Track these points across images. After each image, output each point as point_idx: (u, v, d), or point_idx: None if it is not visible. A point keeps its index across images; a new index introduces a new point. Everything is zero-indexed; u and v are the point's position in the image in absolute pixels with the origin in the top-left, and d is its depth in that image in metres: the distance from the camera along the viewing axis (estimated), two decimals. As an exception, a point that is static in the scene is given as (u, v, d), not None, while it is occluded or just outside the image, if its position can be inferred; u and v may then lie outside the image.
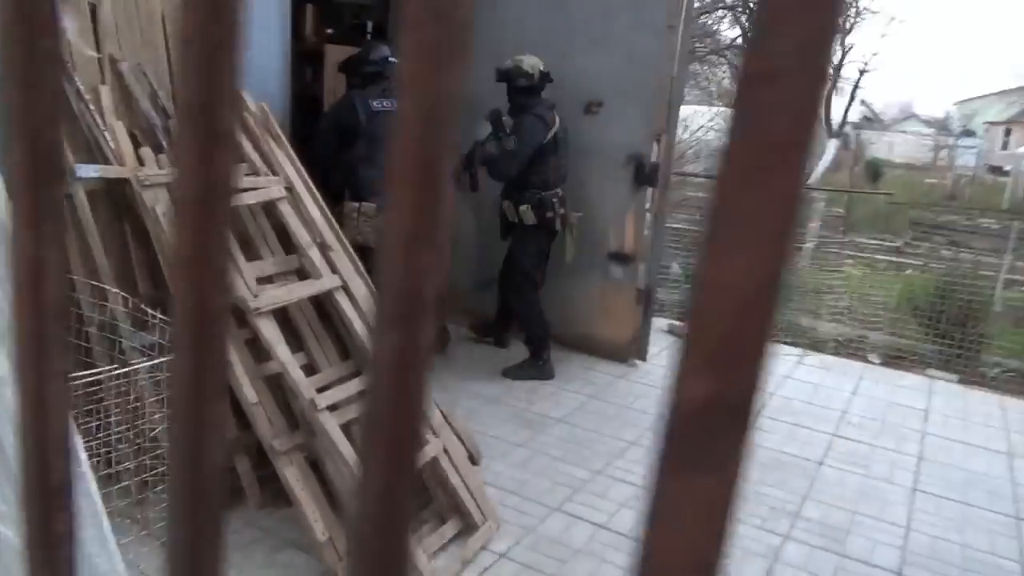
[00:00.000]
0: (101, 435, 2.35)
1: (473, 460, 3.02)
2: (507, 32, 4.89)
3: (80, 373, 2.27)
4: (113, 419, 2.42)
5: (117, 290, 2.51)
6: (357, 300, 2.83)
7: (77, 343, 2.48)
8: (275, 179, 2.88)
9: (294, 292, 2.66)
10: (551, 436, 3.72)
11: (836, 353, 5.61)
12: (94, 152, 2.70)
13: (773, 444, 3.79)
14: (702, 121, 12.38)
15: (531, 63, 4.25)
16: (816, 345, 5.68)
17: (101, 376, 2.34)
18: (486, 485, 2.95)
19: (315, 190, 3.00)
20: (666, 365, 4.93)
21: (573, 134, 4.55)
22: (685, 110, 7.60)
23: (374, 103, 3.93)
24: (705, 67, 19.66)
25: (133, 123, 2.88)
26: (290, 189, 2.91)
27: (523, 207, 4.30)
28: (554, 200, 4.32)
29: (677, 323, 5.50)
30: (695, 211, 8.68)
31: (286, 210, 2.82)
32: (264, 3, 3.69)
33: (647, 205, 4.66)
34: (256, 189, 2.74)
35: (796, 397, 4.53)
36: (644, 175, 4.62)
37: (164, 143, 2.91)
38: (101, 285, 2.54)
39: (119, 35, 2.90)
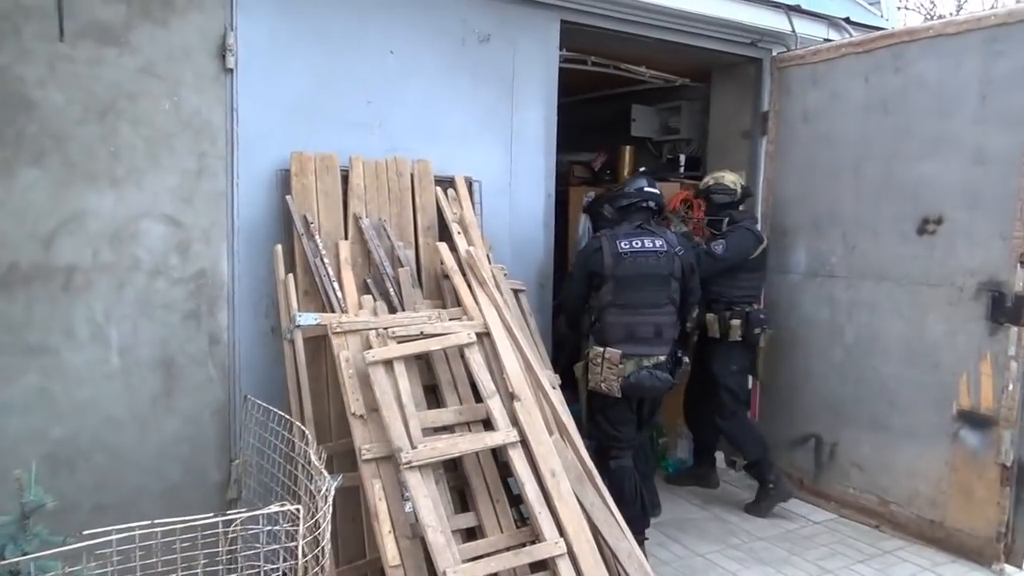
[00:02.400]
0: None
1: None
2: (820, 145, 4.25)
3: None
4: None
5: (308, 431, 2.65)
6: (538, 457, 2.55)
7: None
8: (469, 323, 2.82)
9: (458, 445, 2.51)
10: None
11: None
12: (323, 301, 2.98)
13: None
14: None
15: (732, 179, 4.29)
16: None
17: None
18: None
19: (516, 335, 2.85)
20: (1056, 579, 3.45)
21: (906, 258, 3.80)
22: None
23: (622, 244, 3.66)
24: None
25: (369, 273, 3.12)
26: (486, 335, 2.82)
27: (734, 321, 4.11)
28: (761, 316, 4.21)
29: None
30: None
31: (473, 357, 2.72)
32: (532, 157, 3.81)
33: (1011, 350, 3.43)
34: (442, 335, 2.71)
35: None
36: (1004, 309, 3.44)
37: (391, 290, 3.09)
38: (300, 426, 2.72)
39: (367, 195, 3.23)
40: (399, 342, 2.66)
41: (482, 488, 2.59)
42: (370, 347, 2.64)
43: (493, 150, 3.69)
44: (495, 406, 2.64)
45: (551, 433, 2.75)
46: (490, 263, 3.54)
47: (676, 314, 3.74)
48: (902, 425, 3.87)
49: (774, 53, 4.52)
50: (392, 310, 3.03)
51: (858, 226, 4.07)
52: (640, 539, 3.58)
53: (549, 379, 3.22)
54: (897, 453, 3.89)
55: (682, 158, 5.17)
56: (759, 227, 4.36)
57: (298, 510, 1.92)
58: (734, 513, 4.16)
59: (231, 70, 2.99)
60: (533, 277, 3.85)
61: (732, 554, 3.71)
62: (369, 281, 3.11)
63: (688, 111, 5.27)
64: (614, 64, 4.68)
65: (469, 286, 2.99)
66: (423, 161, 3.40)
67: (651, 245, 3.68)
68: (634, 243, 3.67)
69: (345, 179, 3.20)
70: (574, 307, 3.75)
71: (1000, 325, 3.48)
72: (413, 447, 2.43)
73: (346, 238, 3.15)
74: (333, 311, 2.93)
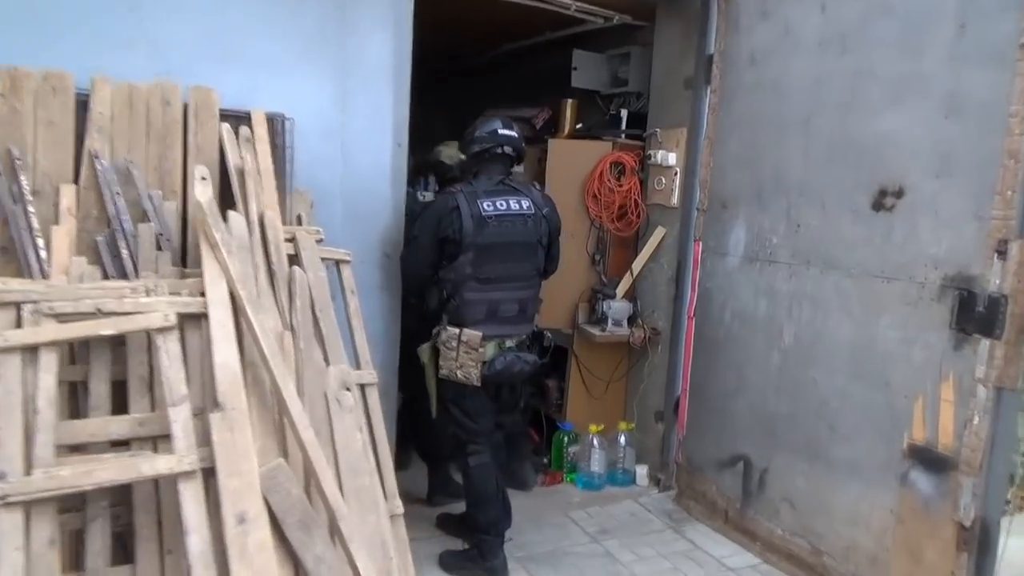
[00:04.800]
0: None
1: None
2: (768, 94, 3.34)
3: None
4: None
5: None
6: (225, 493, 1.80)
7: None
8: (180, 301, 2.07)
9: (95, 474, 1.76)
10: None
11: None
12: (20, 262, 2.26)
13: None
14: None
15: (449, 153, 3.71)
16: None
17: None
18: None
19: (253, 319, 2.09)
20: None
21: (858, 242, 2.93)
22: None
23: (485, 205, 2.87)
24: None
25: (99, 229, 2.39)
26: (204, 316, 2.06)
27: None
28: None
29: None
30: None
31: (167, 347, 1.97)
32: (375, 95, 3.00)
33: (979, 370, 2.52)
34: (122, 315, 1.96)
35: None
36: (974, 314, 2.53)
37: (124, 251, 2.36)
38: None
39: (114, 128, 2.49)
40: (60, 321, 1.92)
41: (150, 534, 1.84)
42: (19, 327, 1.91)
43: (317, 82, 2.90)
44: (178, 418, 1.89)
45: (281, 457, 1.99)
46: (303, 224, 2.81)
47: (539, 287, 3.11)
48: (843, 456, 2.99)
49: (724, -21, 3.60)
50: (124, 277, 2.30)
51: (805, 198, 3.17)
52: (500, 542, 3.04)
53: (342, 377, 2.47)
54: (835, 491, 3.02)
55: (623, 113, 4.28)
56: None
57: None
58: (631, 547, 3.34)
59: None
60: (375, 244, 3.07)
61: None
62: (100, 240, 2.39)
63: (638, 59, 4.36)
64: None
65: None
66: (203, 89, 2.63)
67: (517, 207, 2.92)
68: (499, 204, 2.90)
69: (86, 107, 2.46)
70: (418, 278, 2.99)
71: (967, 336, 2.56)
72: (27, 473, 1.70)
73: (76, 182, 2.42)
74: (31, 275, 2.21)
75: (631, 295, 4.11)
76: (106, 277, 2.33)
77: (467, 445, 3.02)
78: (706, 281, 3.69)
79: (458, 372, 2.90)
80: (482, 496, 3.02)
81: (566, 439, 4.05)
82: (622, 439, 4.01)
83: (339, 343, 2.62)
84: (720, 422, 3.60)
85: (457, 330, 2.88)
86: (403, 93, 3.06)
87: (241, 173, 2.55)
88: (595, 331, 3.97)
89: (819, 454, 3.08)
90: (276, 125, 2.77)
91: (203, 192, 2.26)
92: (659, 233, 3.99)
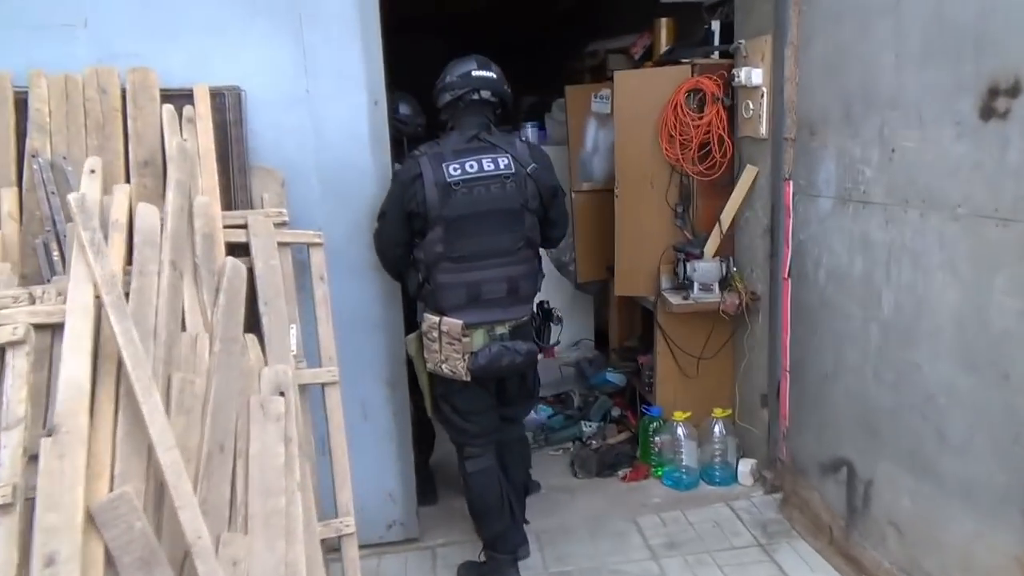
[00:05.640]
0: None
1: None
2: None
3: None
4: None
5: None
6: (38, 531, 1.63)
7: None
8: (39, 310, 1.93)
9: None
10: None
11: None
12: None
13: None
14: None
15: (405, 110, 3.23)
16: None
17: None
18: None
19: (128, 327, 1.89)
20: None
21: (962, 166, 2.01)
22: None
23: (450, 168, 2.40)
24: None
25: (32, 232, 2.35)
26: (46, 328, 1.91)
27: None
28: None
29: None
30: None
31: (15, 363, 1.83)
32: (341, 49, 2.64)
33: None
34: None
35: None
36: None
37: (55, 253, 2.30)
38: None
39: (52, 124, 2.42)
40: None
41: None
42: None
43: (273, 43, 2.59)
44: (9, 443, 1.72)
45: (143, 483, 1.79)
46: (264, 205, 2.58)
47: (536, 259, 2.57)
48: (954, 473, 2.13)
49: None
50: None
51: (899, 112, 2.27)
52: (513, 559, 2.64)
53: (276, 380, 2.22)
54: (947, 521, 2.17)
55: (715, 27, 3.46)
56: None
57: None
58: (696, 569, 2.73)
59: None
60: (363, 220, 2.72)
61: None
62: (38, 242, 2.35)
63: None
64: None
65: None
66: (141, 70, 2.46)
67: (491, 167, 2.43)
68: (468, 166, 2.43)
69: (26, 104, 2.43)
70: (392, 259, 2.62)
71: None
72: None
73: (19, 184, 2.40)
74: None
75: (726, 252, 3.35)
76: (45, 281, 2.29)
77: (463, 448, 2.63)
78: (799, 231, 2.87)
79: (443, 366, 2.50)
80: (483, 507, 2.62)
81: (653, 426, 3.46)
82: (717, 428, 3.32)
83: (286, 339, 2.36)
84: (820, 412, 2.80)
85: (436, 318, 2.48)
86: (372, 38, 2.64)
87: (174, 159, 2.37)
88: (675, 299, 3.30)
89: (927, 467, 2.23)
90: (224, 100, 2.55)
91: (89, 186, 2.11)
92: (750, 173, 3.18)
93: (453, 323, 2.45)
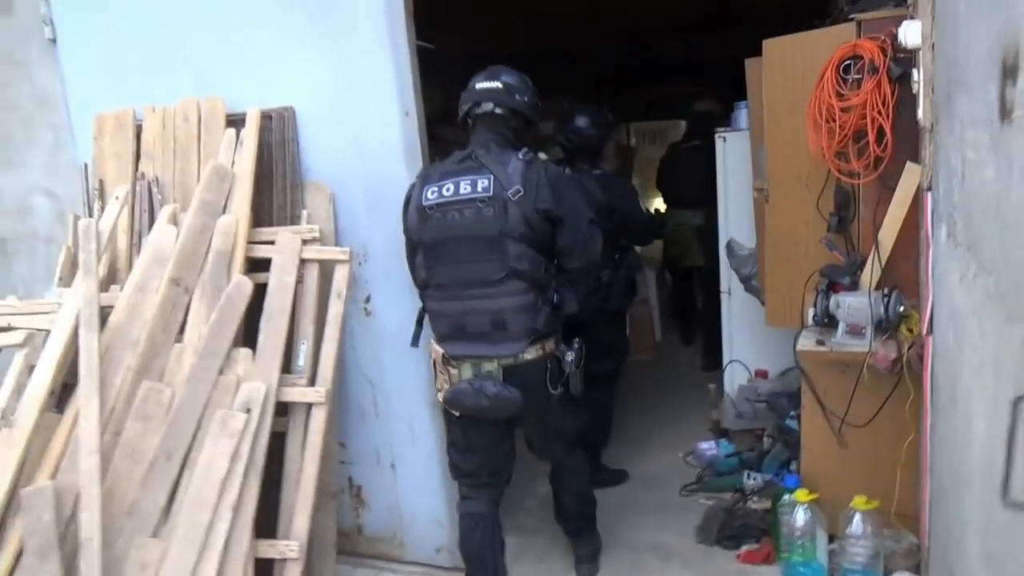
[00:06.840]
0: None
1: None
2: None
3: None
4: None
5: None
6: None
7: None
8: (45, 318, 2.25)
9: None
10: None
11: None
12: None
13: None
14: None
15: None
16: None
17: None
18: None
19: (83, 337, 2.12)
20: None
21: None
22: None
23: (429, 191, 2.16)
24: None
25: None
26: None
27: None
28: None
29: None
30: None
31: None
32: (369, 56, 2.52)
33: None
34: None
35: None
36: None
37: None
38: None
39: (154, 150, 2.79)
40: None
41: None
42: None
43: (316, 58, 2.59)
44: (-11, 430, 2.09)
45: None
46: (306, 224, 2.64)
47: (533, 291, 2.18)
48: None
49: None
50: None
51: None
52: None
53: (247, 396, 2.30)
54: None
55: None
56: None
57: None
58: None
59: (53, 40, 2.98)
60: (400, 235, 2.60)
61: None
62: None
63: None
64: None
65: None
66: (212, 99, 2.69)
67: (468, 189, 2.18)
68: (444, 189, 2.22)
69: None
70: (413, 279, 2.47)
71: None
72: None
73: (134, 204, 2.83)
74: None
75: (892, 283, 2.41)
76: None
77: (459, 485, 2.39)
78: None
79: (439, 394, 2.35)
80: (464, 554, 2.35)
81: (784, 500, 2.68)
82: (857, 522, 2.44)
83: (277, 356, 2.40)
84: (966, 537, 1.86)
85: (434, 344, 2.33)
86: (402, 47, 2.47)
87: (204, 179, 2.55)
88: (808, 341, 2.49)
89: None
90: (275, 121, 2.64)
91: (109, 212, 2.38)
92: (911, 176, 2.22)
93: (438, 352, 2.28)
